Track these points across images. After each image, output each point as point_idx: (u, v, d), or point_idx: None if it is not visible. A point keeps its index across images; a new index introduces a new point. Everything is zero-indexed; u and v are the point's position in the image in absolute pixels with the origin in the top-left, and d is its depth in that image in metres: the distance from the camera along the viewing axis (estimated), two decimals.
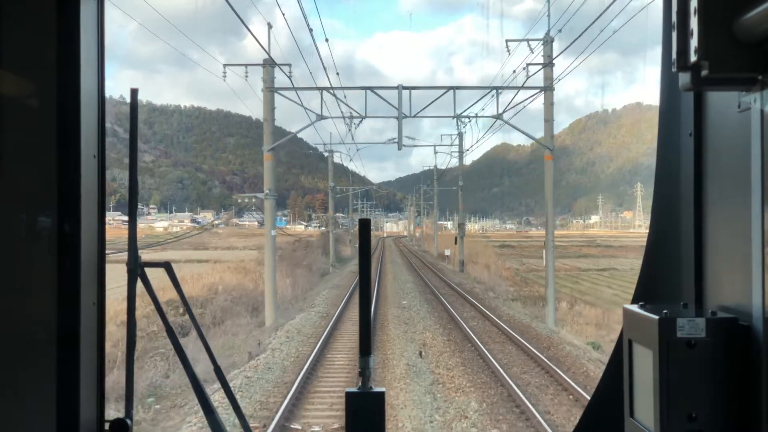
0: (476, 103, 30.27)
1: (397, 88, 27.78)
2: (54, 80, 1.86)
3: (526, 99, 28.76)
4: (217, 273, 39.44)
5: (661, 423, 1.35)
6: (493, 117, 29.08)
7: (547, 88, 27.87)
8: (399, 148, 29.41)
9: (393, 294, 34.74)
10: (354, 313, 26.88)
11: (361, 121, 30.87)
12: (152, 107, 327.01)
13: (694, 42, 1.19)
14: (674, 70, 1.25)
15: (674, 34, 1.24)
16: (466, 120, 31.66)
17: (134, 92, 2.07)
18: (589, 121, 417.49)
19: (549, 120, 28.16)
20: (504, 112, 28.74)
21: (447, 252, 66.18)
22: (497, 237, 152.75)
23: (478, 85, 33.76)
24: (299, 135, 58.46)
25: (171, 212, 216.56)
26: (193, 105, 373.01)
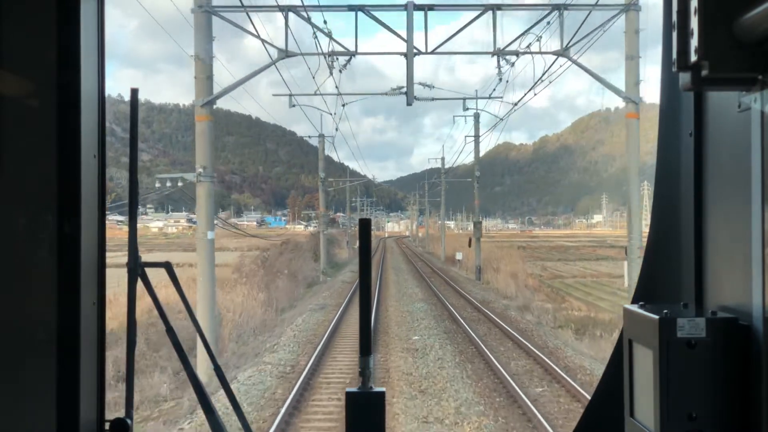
0: (532, 28, 19.88)
1: (405, 7, 17.60)
2: (54, 80, 1.84)
3: (597, 28, 18.51)
4: (167, 288, 29.15)
5: (661, 423, 1.34)
6: (554, 54, 18.77)
7: (630, 7, 17.68)
8: (409, 102, 18.96)
9: (398, 321, 24.36)
10: (339, 364, 16.79)
11: (349, 60, 20.48)
12: (151, 106, 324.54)
13: (694, 42, 1.19)
14: (674, 70, 1.25)
15: (674, 34, 1.23)
16: (513, 59, 21.08)
17: (134, 92, 2.06)
18: (591, 119, 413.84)
19: (633, 57, 18.10)
20: (570, 46, 18.40)
21: (458, 256, 56.22)
22: (502, 237, 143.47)
23: (530, 3, 22.98)
24: (300, 135, 48.15)
25: (168, 212, 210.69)
26: (192, 103, 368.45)
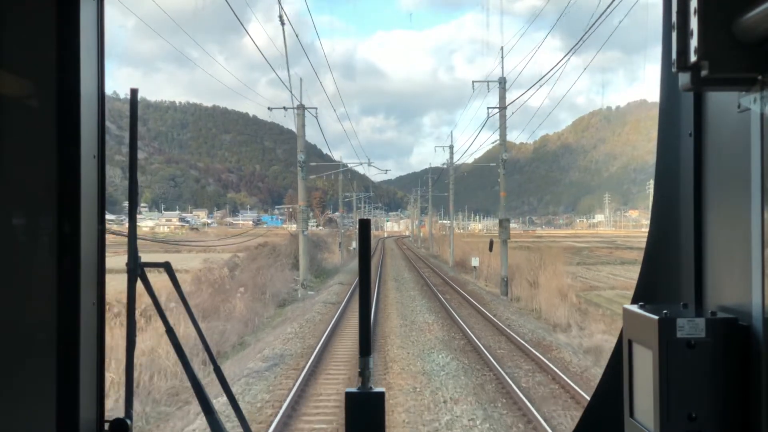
0: None
1: None
2: (54, 80, 1.86)
3: None
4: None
5: (661, 423, 1.35)
6: None
7: None
8: None
9: (411, 408, 12.78)
10: None
11: None
12: (146, 103, 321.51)
13: (694, 42, 1.20)
14: (674, 70, 1.26)
15: (674, 35, 1.24)
16: None
17: (134, 92, 2.07)
18: (592, 118, 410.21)
19: None
20: None
21: (474, 262, 44.98)
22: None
23: None
24: (294, 131, 37.96)
25: (161, 211, 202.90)
26: (188, 101, 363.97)
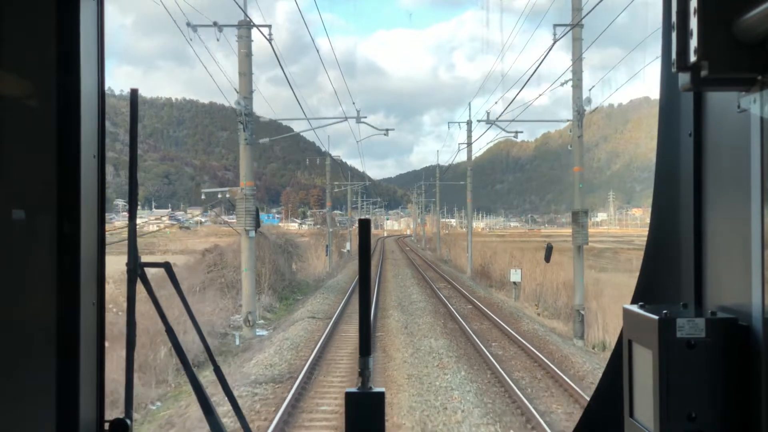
0: None
1: None
2: (54, 80, 1.86)
3: None
4: None
5: (661, 423, 1.35)
6: None
7: None
8: None
9: None
10: None
11: None
12: (142, 100, 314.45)
13: (693, 42, 1.20)
14: (674, 70, 1.26)
15: (674, 34, 1.25)
16: None
17: (134, 92, 2.07)
18: (594, 116, 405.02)
19: None
20: None
21: (514, 276, 33.35)
22: (513, 236, 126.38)
23: None
24: (296, 130, 27.39)
25: (152, 209, 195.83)
26: (185, 98, 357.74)
